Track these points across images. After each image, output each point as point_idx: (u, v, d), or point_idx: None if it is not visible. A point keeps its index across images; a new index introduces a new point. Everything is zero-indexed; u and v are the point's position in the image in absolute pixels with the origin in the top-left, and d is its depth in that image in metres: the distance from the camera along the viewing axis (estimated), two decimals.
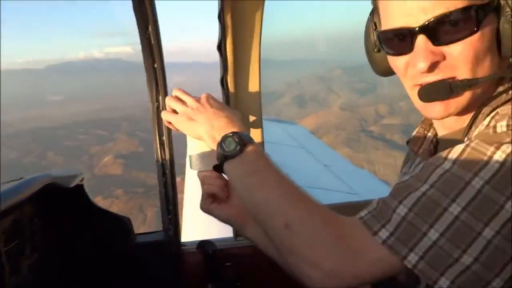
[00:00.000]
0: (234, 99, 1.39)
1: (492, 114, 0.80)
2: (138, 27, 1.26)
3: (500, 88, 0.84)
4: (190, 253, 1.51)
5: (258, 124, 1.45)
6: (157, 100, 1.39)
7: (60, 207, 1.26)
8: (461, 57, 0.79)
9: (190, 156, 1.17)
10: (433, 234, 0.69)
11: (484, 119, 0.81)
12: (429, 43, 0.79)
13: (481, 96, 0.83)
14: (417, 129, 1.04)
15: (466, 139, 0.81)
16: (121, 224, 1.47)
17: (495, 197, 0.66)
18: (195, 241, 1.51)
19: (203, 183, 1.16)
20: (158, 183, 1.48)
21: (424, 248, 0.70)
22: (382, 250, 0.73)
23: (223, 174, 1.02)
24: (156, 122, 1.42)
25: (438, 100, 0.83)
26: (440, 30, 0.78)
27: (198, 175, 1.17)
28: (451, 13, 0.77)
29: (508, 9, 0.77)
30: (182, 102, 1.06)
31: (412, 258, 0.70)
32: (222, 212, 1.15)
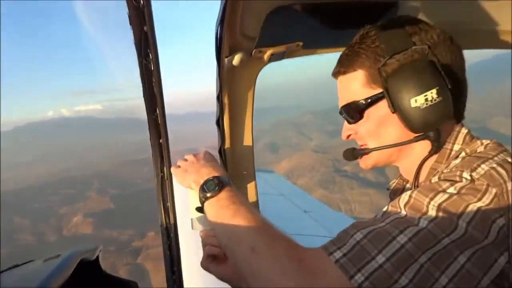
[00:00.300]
0: (231, 165, 1.59)
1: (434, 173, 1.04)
2: (146, 109, 1.43)
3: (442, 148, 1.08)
4: None
5: (252, 185, 1.65)
6: (162, 171, 1.54)
7: (80, 279, 1.36)
8: (363, 132, 1.14)
9: (191, 218, 1.33)
10: (380, 259, 0.82)
11: (425, 175, 1.08)
12: (346, 122, 1.17)
13: (394, 153, 1.12)
14: (397, 180, 1.26)
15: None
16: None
17: (437, 233, 0.82)
18: None
19: (204, 243, 1.31)
20: (162, 246, 1.60)
21: (374, 274, 0.81)
22: (336, 270, 0.83)
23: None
24: (160, 191, 1.56)
25: (349, 160, 1.22)
26: (346, 116, 1.15)
27: (200, 235, 1.33)
28: (346, 105, 1.13)
29: (389, 101, 1.04)
30: (186, 160, 1.31)
31: (359, 278, 0.82)
32: (220, 271, 1.30)
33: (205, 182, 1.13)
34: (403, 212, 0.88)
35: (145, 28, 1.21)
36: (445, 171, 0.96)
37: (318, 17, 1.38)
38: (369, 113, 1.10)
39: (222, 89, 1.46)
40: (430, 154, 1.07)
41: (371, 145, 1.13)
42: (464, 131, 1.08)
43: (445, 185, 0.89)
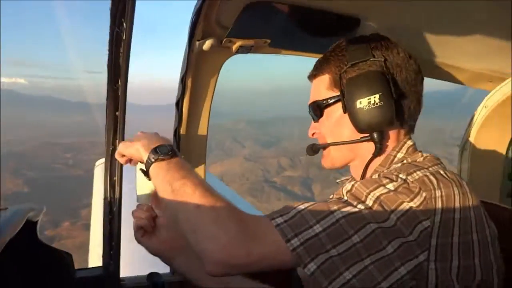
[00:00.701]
0: (184, 147, 1.61)
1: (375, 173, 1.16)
2: (108, 79, 1.42)
3: (386, 153, 1.20)
4: None
5: (201, 168, 1.69)
6: (113, 144, 1.53)
7: (14, 239, 1.29)
8: (322, 130, 1.26)
9: (137, 194, 1.35)
10: (317, 228, 0.92)
11: (369, 176, 1.19)
12: (313, 121, 1.30)
13: (346, 153, 1.23)
14: (349, 179, 1.36)
15: None
16: (62, 258, 1.51)
17: (369, 218, 0.92)
18: (134, 276, 1.62)
19: (133, 216, 1.34)
20: (103, 219, 1.58)
21: (307, 236, 0.91)
22: (275, 233, 0.92)
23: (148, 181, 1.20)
24: (109, 163, 1.55)
25: (309, 155, 1.32)
26: (311, 113, 1.29)
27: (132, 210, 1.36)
28: (311, 103, 1.27)
29: (343, 103, 1.17)
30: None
31: (295, 242, 0.90)
32: (151, 245, 1.34)
33: (158, 146, 1.13)
34: (344, 198, 0.99)
35: None
36: (385, 171, 1.11)
37: (288, 19, 1.47)
38: (328, 112, 1.24)
39: (188, 72, 1.49)
40: (374, 155, 1.19)
41: (328, 142, 1.26)
42: (410, 143, 1.20)
43: (384, 181, 1.00)
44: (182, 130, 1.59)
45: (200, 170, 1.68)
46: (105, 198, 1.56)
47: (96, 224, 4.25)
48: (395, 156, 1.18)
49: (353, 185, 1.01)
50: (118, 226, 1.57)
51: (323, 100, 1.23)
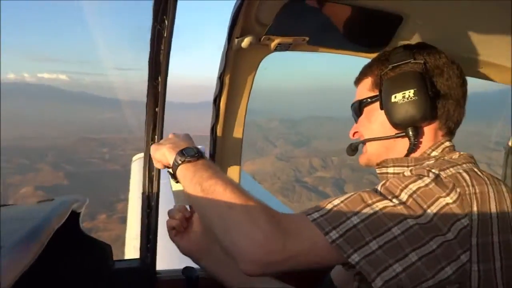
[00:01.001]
0: (220, 144, 1.62)
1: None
2: (149, 76, 1.45)
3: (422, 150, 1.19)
4: (164, 281, 1.63)
5: (236, 165, 1.70)
6: (152, 139, 1.56)
7: (60, 229, 1.35)
8: (361, 128, 1.30)
9: (174, 193, 1.42)
10: (355, 219, 0.91)
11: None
12: (354, 122, 1.35)
13: (381, 150, 1.25)
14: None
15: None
16: (102, 249, 1.56)
17: (404, 213, 0.91)
18: (170, 269, 1.65)
19: (168, 216, 1.42)
20: (141, 213, 1.61)
21: (345, 228, 0.90)
22: (313, 228, 0.91)
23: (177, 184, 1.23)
24: (148, 158, 1.58)
25: (349, 155, 1.37)
26: (353, 112, 1.34)
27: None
28: (353, 103, 1.32)
29: (380, 99, 1.21)
30: None
31: (333, 234, 0.90)
32: (182, 244, 1.41)
33: (185, 148, 1.15)
34: (379, 191, 0.98)
35: None
36: (417, 167, 1.08)
37: (328, 16, 1.45)
38: (367, 111, 1.29)
39: (226, 69, 1.50)
40: (409, 152, 1.19)
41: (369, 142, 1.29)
42: (447, 144, 1.19)
43: (418, 176, 0.99)
44: (219, 127, 1.60)
45: (235, 167, 1.69)
46: (143, 193, 1.59)
47: (132, 218, 4.37)
48: (429, 154, 1.17)
49: (387, 180, 1.01)
50: (155, 220, 1.60)
51: (363, 99, 1.28)
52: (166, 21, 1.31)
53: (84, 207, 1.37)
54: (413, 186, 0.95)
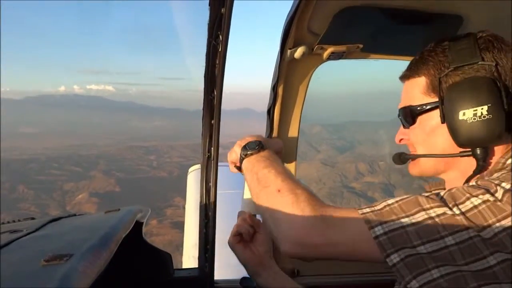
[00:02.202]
0: None
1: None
2: (204, 89, 1.49)
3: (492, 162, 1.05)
4: None
5: (292, 169, 1.71)
6: (209, 151, 1.59)
7: (125, 238, 1.41)
8: (413, 138, 1.16)
9: (242, 200, 1.45)
10: (405, 221, 0.86)
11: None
12: (402, 126, 1.20)
13: (439, 164, 1.11)
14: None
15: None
16: (162, 258, 1.62)
17: (466, 223, 0.84)
18: (227, 279, 1.68)
19: (238, 220, 1.40)
20: (199, 223, 1.65)
21: (392, 227, 0.86)
22: (359, 222, 0.90)
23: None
24: (205, 170, 1.62)
25: (395, 163, 1.24)
26: (401, 119, 1.18)
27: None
28: (403, 108, 1.15)
29: (441, 111, 1.05)
30: None
31: (378, 230, 0.87)
32: (243, 253, 1.37)
33: (247, 143, 1.22)
34: (440, 196, 0.91)
35: (222, 10, 1.26)
36: (486, 178, 0.97)
37: (380, 22, 1.43)
38: (422, 120, 1.12)
39: (279, 80, 1.51)
40: (475, 173, 1.04)
41: (418, 151, 1.15)
42: None
43: (487, 189, 0.88)
44: (274, 137, 1.61)
45: None
46: (201, 203, 1.63)
47: (189, 227, 4.50)
48: (504, 164, 1.02)
49: (452, 188, 0.93)
50: (213, 230, 1.63)
51: (418, 106, 1.11)
52: (220, 36, 1.34)
53: (147, 217, 1.42)
54: (480, 199, 0.86)
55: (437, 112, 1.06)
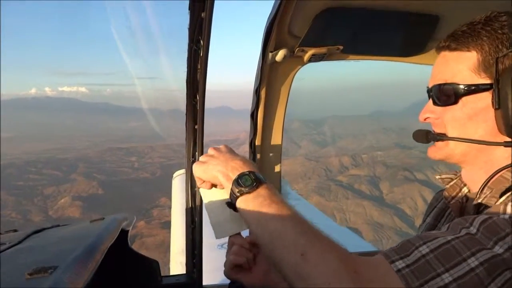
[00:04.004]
0: (260, 158, 1.64)
1: (507, 194, 0.90)
2: (187, 94, 1.48)
3: None
4: None
5: (277, 176, 1.70)
6: (193, 156, 1.59)
7: (110, 247, 1.39)
8: (448, 118, 1.01)
9: (213, 225, 1.14)
10: (447, 278, 0.76)
11: (492, 182, 0.96)
12: (431, 103, 1.04)
13: (471, 152, 1.00)
14: (455, 181, 1.16)
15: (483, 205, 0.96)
16: (149, 266, 1.60)
17: (503, 263, 0.76)
18: (216, 284, 1.68)
19: (231, 251, 1.18)
20: (185, 229, 1.64)
21: (435, 286, 0.75)
22: (397, 281, 0.77)
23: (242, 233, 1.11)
24: (189, 175, 1.61)
25: (419, 141, 1.09)
26: (437, 95, 1.02)
27: (229, 242, 1.21)
28: (442, 84, 1.00)
29: (496, 96, 0.92)
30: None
31: None
32: (246, 281, 1.18)
33: (240, 176, 0.98)
34: (474, 231, 0.81)
35: (202, 15, 1.25)
36: None
37: (360, 22, 1.44)
38: (466, 101, 0.98)
39: (261, 83, 1.51)
40: (509, 165, 0.96)
41: (450, 134, 1.02)
42: None
43: None
44: (257, 141, 1.62)
45: (275, 178, 1.70)
46: (186, 209, 1.62)
47: (175, 233, 4.46)
48: None
49: (491, 218, 0.81)
50: (200, 235, 1.62)
51: (465, 85, 0.96)
52: (201, 41, 1.33)
53: (132, 225, 1.41)
54: None
55: (487, 95, 0.95)
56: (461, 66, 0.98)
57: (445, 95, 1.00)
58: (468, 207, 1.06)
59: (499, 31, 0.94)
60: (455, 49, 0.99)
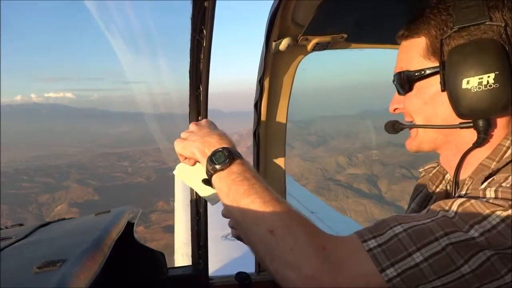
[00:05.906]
0: (264, 149, 1.64)
1: (489, 180, 0.88)
2: (190, 85, 1.48)
3: (494, 144, 0.95)
4: (217, 286, 1.65)
5: (281, 167, 1.70)
6: None
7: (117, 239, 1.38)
8: (408, 107, 1.05)
9: (204, 198, 1.19)
10: (418, 257, 0.76)
11: (473, 170, 0.97)
12: (396, 94, 1.09)
13: (438, 137, 1.02)
14: (437, 169, 1.17)
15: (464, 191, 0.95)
16: (155, 258, 1.60)
17: (486, 247, 0.75)
18: (223, 275, 1.67)
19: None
20: (190, 221, 1.64)
21: (405, 266, 0.76)
22: (367, 260, 0.77)
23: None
24: None
25: (388, 132, 1.12)
26: (398, 85, 1.06)
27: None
28: (399, 72, 1.04)
29: (442, 78, 0.94)
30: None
31: (391, 272, 0.76)
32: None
33: (214, 153, 0.98)
34: (452, 213, 0.80)
35: (205, 4, 1.25)
36: (504, 184, 0.83)
37: (364, 10, 1.44)
38: (420, 86, 1.01)
39: (265, 72, 1.51)
40: (475, 146, 0.96)
41: (417, 122, 1.04)
42: None
43: (509, 204, 0.78)
44: (261, 131, 1.62)
45: (280, 171, 1.69)
46: (191, 200, 1.62)
47: (179, 226, 4.46)
48: (508, 148, 0.93)
49: (468, 200, 0.81)
50: (205, 226, 1.62)
51: (416, 71, 0.99)
52: (204, 31, 1.33)
53: (138, 217, 1.40)
54: (504, 213, 0.76)
55: (437, 78, 0.96)
56: (413, 52, 1.01)
57: (402, 83, 1.03)
58: (451, 196, 1.05)
59: (444, 13, 0.95)
60: (407, 37, 1.03)
